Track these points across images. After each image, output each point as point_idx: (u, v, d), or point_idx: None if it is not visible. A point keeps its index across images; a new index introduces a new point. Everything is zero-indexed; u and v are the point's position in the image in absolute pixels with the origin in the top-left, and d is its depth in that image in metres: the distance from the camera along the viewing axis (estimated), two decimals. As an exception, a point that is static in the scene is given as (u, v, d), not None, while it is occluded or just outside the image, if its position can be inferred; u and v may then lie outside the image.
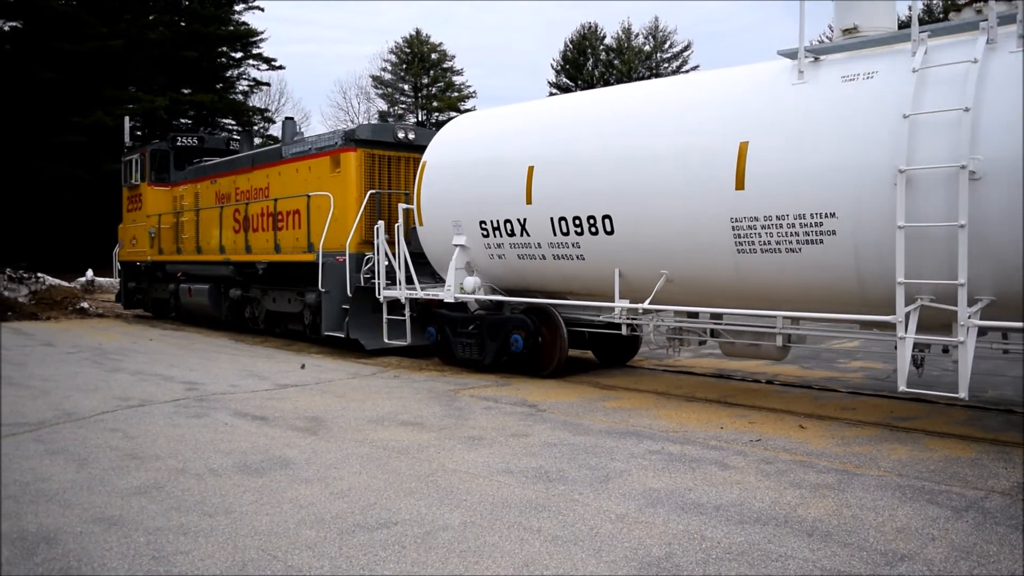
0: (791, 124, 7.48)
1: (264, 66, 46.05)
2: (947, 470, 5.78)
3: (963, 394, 6.35)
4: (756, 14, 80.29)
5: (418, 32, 59.13)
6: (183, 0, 42.05)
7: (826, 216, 7.17)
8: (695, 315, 9.04)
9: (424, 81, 59.22)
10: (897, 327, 6.67)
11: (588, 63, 58.84)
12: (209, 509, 5.08)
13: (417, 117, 57.67)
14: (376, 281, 11.88)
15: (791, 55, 7.76)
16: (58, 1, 36.92)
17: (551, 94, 57.63)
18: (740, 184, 7.66)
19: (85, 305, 22.13)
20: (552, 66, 60.55)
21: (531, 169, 9.66)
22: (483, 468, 5.96)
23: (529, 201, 9.65)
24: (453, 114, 54.48)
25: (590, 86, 56.46)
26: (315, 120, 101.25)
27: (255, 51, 45.01)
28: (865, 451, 6.37)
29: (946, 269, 6.43)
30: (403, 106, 59.30)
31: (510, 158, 10.00)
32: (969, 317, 6.33)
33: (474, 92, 59.75)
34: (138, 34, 37.44)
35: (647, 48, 59.19)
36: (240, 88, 46.51)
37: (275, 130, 48.32)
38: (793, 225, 7.38)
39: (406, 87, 59.29)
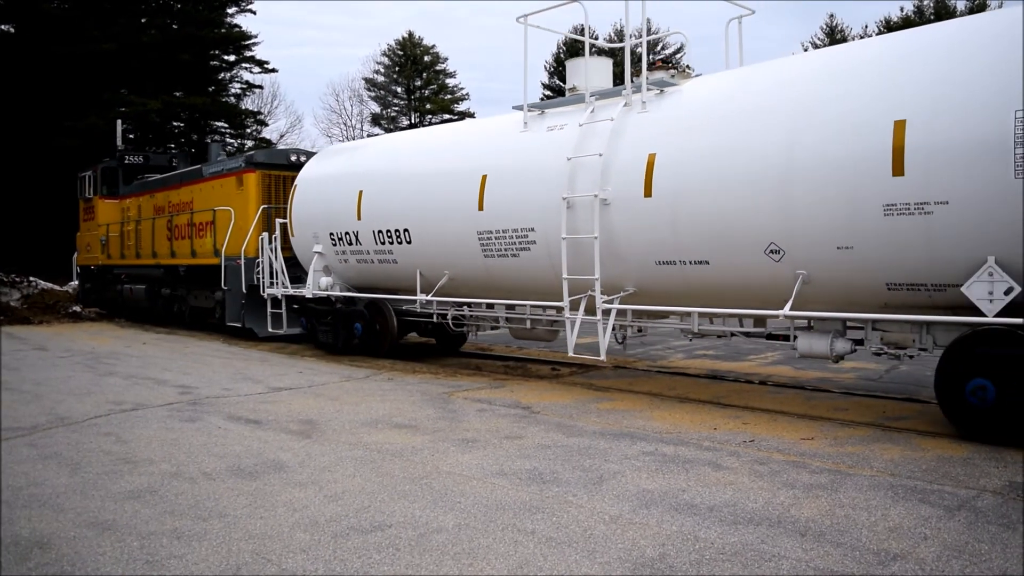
0: (512, 162, 9.94)
1: (257, 69, 45.94)
2: (939, 469, 5.81)
3: (603, 357, 8.84)
4: (750, 15, 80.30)
5: (411, 34, 58.92)
6: (176, 3, 41.86)
7: (529, 230, 9.58)
8: (492, 306, 10.97)
9: (417, 83, 59.08)
10: (565, 310, 9.08)
11: (581, 65, 58.74)
12: (203, 513, 5.08)
13: (410, 119, 57.46)
14: (262, 281, 14.31)
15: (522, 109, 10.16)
16: (51, 4, 36.75)
17: (543, 96, 57.69)
18: (481, 206, 10.10)
19: (78, 309, 22.08)
20: (544, 68, 60.53)
21: (360, 192, 12.08)
22: (477, 470, 5.97)
23: (359, 217, 12.07)
24: (446, 116, 54.40)
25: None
26: (308, 123, 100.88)
27: (248, 54, 44.83)
28: (858, 451, 6.39)
29: (600, 268, 8.68)
30: (396, 108, 59.14)
31: (348, 183, 12.43)
32: (604, 302, 8.71)
33: (467, 94, 59.67)
34: (131, 37, 37.28)
35: (639, 50, 59.15)
36: (233, 91, 46.34)
37: (267, 133, 48.39)
38: (512, 237, 9.78)
39: (399, 89, 59.12)
